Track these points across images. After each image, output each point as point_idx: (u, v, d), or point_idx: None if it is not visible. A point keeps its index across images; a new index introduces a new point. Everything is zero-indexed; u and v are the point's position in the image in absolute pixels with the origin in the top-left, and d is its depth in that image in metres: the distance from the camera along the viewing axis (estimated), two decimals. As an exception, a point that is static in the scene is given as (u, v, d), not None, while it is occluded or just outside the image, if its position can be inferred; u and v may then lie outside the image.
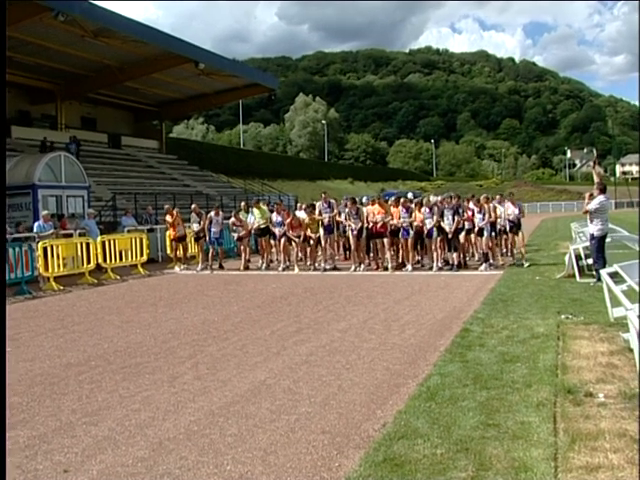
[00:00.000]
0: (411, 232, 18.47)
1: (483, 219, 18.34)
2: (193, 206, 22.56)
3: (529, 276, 15.72)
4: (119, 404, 6.61)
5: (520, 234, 19.73)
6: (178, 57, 38.11)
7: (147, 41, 35.64)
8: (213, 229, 20.93)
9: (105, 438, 5.62)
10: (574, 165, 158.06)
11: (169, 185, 42.38)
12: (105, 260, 19.34)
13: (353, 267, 19.05)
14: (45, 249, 17.23)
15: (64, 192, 26.01)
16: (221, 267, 21.12)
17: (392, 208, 19.12)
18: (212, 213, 21.35)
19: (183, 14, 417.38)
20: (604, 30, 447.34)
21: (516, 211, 19.38)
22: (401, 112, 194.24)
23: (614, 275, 9.73)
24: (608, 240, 14.78)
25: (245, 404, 6.45)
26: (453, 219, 18.06)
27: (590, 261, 15.01)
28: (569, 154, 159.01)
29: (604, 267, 13.22)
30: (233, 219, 21.44)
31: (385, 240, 18.77)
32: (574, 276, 14.74)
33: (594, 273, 14.02)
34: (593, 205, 14.30)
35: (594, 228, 14.27)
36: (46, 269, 17.17)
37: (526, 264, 17.93)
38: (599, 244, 14.21)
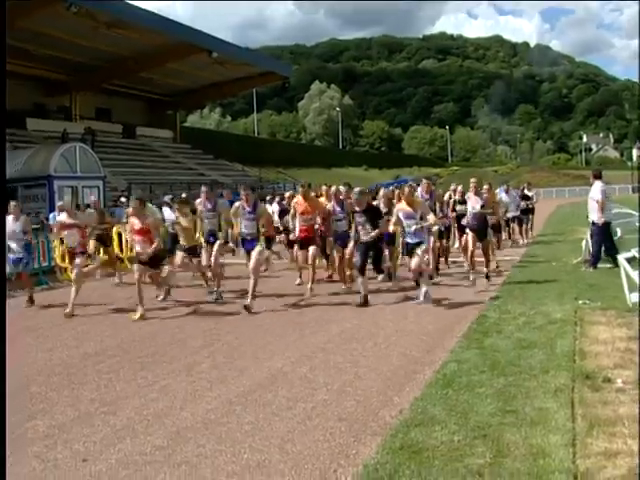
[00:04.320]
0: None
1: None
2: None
3: (545, 262, 15.64)
4: (137, 393, 6.64)
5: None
6: (192, 47, 38.21)
7: (160, 31, 35.75)
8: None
9: (123, 427, 5.65)
10: (590, 150, 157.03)
11: (184, 174, 42.53)
12: (121, 250, 19.36)
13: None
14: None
15: (80, 183, 26.15)
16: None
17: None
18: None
19: (199, 3, 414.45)
20: (623, 14, 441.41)
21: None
22: (415, 98, 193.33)
23: (631, 260, 9.69)
24: (621, 224, 14.71)
25: (262, 392, 6.46)
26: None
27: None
28: (585, 139, 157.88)
29: (616, 252, 13.48)
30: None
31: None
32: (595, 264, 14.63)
33: (610, 259, 13.93)
34: (601, 194, 14.20)
35: (597, 215, 14.21)
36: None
37: (485, 282, 12.73)
38: (606, 232, 14.17)
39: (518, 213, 21.73)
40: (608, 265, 13.68)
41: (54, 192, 24.57)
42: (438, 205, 15.17)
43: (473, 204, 13.17)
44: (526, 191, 23.77)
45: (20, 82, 36.50)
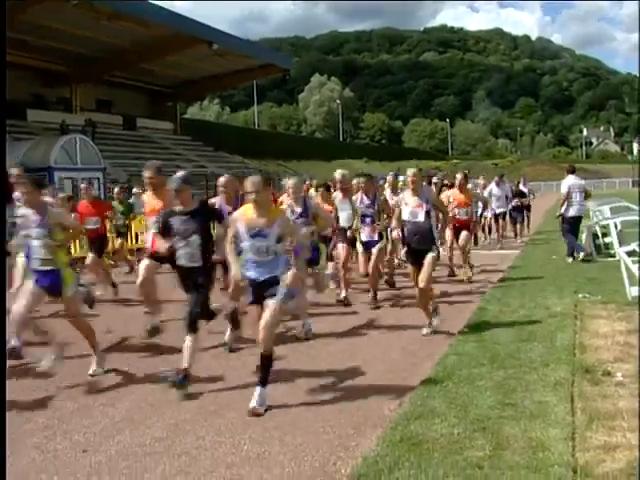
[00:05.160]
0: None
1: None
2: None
3: (545, 255, 15.64)
4: (135, 385, 6.64)
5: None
6: (192, 38, 38.17)
7: (161, 23, 35.72)
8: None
9: (122, 419, 5.66)
10: (591, 143, 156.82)
11: (185, 166, 42.38)
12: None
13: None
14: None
15: (80, 174, 26.11)
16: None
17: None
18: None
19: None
20: (622, 8, 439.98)
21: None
22: (416, 91, 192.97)
23: (631, 254, 9.68)
24: (625, 218, 14.75)
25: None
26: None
27: (607, 240, 14.96)
28: (585, 132, 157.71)
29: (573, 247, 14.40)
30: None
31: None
32: (591, 255, 14.67)
33: (611, 252, 13.98)
34: (566, 189, 14.65)
35: (566, 209, 14.61)
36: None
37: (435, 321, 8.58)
38: (571, 226, 14.55)
39: (508, 208, 19.60)
40: (610, 259, 13.70)
41: (54, 184, 24.52)
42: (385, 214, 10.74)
43: (413, 207, 8.41)
44: (521, 186, 21.96)
45: (20, 73, 36.44)
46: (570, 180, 14.84)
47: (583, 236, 15.65)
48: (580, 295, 10.05)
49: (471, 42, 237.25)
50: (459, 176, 12.66)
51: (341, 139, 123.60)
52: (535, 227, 24.23)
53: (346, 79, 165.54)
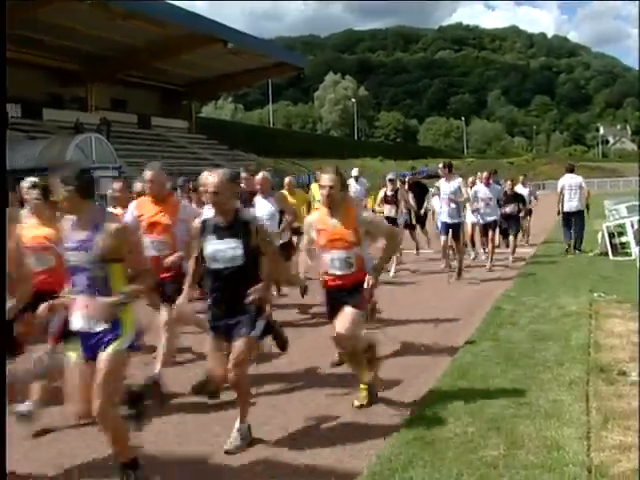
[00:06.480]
0: None
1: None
2: None
3: (561, 254, 15.56)
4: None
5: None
6: (207, 37, 38.23)
7: (176, 22, 35.79)
8: None
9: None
10: (607, 142, 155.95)
11: (200, 165, 42.49)
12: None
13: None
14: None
15: (95, 173, 26.23)
16: None
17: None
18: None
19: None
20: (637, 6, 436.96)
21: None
22: (431, 89, 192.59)
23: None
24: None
25: (275, 383, 6.46)
26: None
27: (624, 239, 14.90)
28: (602, 130, 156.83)
29: (570, 240, 15.48)
30: None
31: None
32: (607, 254, 14.59)
33: (627, 251, 13.93)
34: (559, 187, 15.95)
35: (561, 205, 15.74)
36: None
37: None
38: (565, 220, 15.83)
39: (496, 217, 14.16)
40: (626, 258, 13.63)
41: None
42: None
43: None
44: (520, 188, 17.21)
45: (36, 73, 36.69)
46: (565, 179, 15.77)
47: (599, 235, 15.58)
48: (595, 294, 9.99)
49: (487, 40, 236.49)
50: (326, 180, 5.52)
51: (356, 138, 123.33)
52: (544, 235, 20.28)
53: (361, 77, 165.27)
